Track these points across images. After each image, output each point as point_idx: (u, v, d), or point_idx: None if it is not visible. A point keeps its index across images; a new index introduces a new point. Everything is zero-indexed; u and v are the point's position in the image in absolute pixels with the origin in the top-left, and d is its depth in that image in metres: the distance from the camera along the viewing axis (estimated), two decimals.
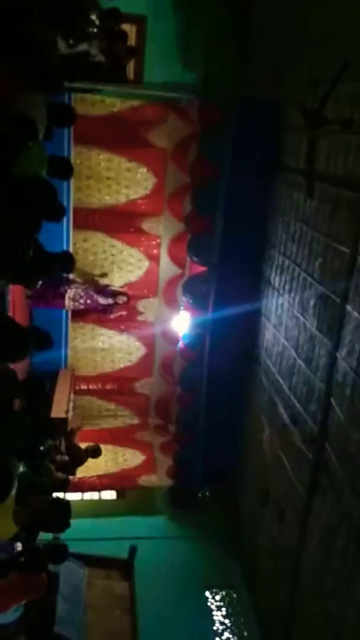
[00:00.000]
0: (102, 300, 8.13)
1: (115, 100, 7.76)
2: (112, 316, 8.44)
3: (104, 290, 8.23)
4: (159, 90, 7.39)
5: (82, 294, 7.96)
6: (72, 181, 7.50)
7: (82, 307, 8.04)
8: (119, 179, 8.24)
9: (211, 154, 6.86)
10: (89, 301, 8.03)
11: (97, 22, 4.19)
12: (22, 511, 3.28)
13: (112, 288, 8.39)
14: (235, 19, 7.38)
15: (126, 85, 6.77)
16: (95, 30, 4.49)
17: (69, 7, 3.39)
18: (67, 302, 7.85)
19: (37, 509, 3.47)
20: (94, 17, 4.08)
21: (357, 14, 4.32)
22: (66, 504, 4.26)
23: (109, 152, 8.07)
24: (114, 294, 8.27)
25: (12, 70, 3.15)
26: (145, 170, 8.25)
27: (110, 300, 8.20)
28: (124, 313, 8.80)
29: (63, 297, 7.79)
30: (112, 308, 8.33)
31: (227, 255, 6.63)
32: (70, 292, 7.83)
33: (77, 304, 7.94)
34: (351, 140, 4.35)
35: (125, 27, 6.23)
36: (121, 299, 8.30)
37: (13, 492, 3.33)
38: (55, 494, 5.16)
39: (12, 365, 4.03)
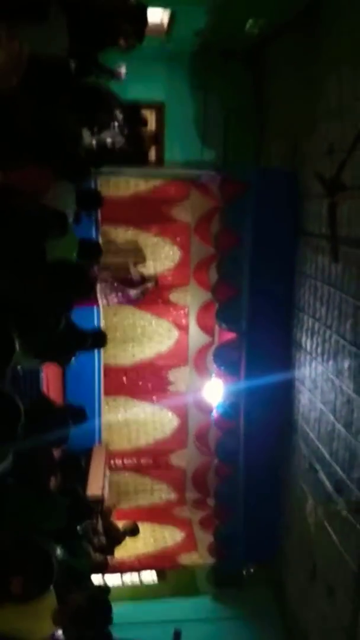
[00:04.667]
0: (132, 293, 7.91)
1: (138, 180, 8.11)
2: (135, 298, 8.04)
3: (132, 281, 7.97)
4: (180, 168, 7.72)
5: (112, 288, 7.75)
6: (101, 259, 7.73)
7: (115, 301, 7.86)
8: (146, 253, 8.48)
9: (234, 225, 7.04)
10: (120, 294, 7.80)
11: (118, 114, 4.46)
12: (61, 611, 3.16)
13: (140, 276, 8.12)
14: (251, 95, 7.77)
15: (148, 166, 7.08)
16: (117, 119, 4.78)
17: (91, 104, 3.63)
18: (99, 299, 7.68)
19: (76, 608, 3.33)
20: (116, 112, 4.35)
21: None
22: (106, 599, 4.11)
23: (135, 229, 8.36)
24: (143, 281, 8.05)
25: (42, 163, 3.35)
26: (170, 244, 8.49)
27: (139, 290, 7.97)
28: (152, 382, 8.82)
29: (95, 295, 7.57)
30: (142, 297, 8.11)
31: (255, 321, 6.65)
32: (99, 287, 7.62)
33: (110, 298, 7.75)
34: None
35: (145, 112, 6.61)
36: (150, 284, 8.10)
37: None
38: (94, 579, 5.00)
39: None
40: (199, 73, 7.66)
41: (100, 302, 7.71)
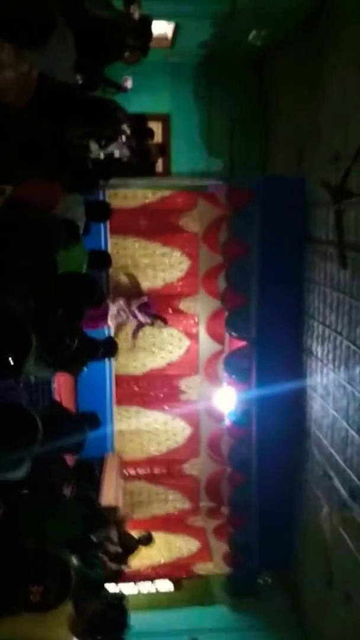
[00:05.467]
0: (141, 318, 8.03)
1: (146, 192, 8.18)
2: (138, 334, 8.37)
3: (145, 310, 8.08)
4: (187, 179, 7.78)
5: (125, 309, 7.88)
6: (110, 271, 7.81)
7: (122, 321, 7.99)
8: (155, 264, 8.54)
9: (241, 233, 7.07)
10: (130, 317, 7.95)
11: (125, 128, 4.53)
12: (78, 619, 3.18)
13: (154, 311, 8.26)
14: (255, 104, 7.83)
15: (156, 177, 7.14)
16: (123, 132, 4.85)
17: (98, 118, 3.70)
18: (109, 320, 7.76)
19: (93, 615, 3.35)
20: (123, 125, 4.42)
21: None
22: (122, 605, 4.12)
23: (144, 240, 8.43)
24: (154, 316, 8.14)
25: (51, 176, 3.41)
26: (179, 253, 8.54)
27: (148, 320, 8.08)
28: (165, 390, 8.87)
29: (106, 316, 7.68)
30: (144, 327, 8.26)
31: (265, 329, 6.67)
32: (113, 309, 7.76)
33: (119, 318, 7.87)
34: None
35: (152, 125, 6.68)
36: (159, 324, 8.18)
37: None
38: (109, 589, 5.00)
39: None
40: (204, 83, 7.74)
41: (110, 322, 7.79)
